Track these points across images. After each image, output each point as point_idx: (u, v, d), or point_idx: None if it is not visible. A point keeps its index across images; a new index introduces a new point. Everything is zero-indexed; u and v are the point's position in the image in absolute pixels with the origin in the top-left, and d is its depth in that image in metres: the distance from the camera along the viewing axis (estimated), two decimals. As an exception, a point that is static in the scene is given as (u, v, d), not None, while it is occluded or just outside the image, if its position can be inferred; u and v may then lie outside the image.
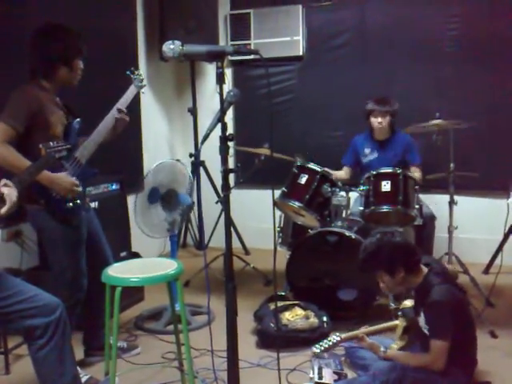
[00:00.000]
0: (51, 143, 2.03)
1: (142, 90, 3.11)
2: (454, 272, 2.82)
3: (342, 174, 4.23)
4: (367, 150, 4.15)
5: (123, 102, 2.91)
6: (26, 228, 3.37)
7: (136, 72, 3.06)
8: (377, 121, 4.00)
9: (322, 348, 2.65)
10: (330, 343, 2.65)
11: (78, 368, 2.72)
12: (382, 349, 2.55)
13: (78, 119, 2.75)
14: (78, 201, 2.65)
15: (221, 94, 1.93)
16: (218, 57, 1.91)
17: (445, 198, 3.60)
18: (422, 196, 3.63)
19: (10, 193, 1.89)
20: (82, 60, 2.71)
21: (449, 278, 2.54)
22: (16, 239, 3.39)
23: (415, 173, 3.91)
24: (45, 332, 2.09)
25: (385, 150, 4.09)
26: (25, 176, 1.99)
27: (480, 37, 4.42)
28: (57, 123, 2.63)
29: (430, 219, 3.91)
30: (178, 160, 3.54)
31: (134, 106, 4.32)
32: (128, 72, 3.05)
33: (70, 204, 2.62)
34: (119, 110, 2.87)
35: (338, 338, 2.66)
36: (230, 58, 5.08)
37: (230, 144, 1.95)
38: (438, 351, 2.36)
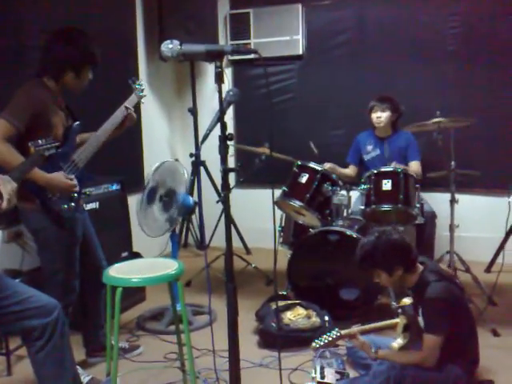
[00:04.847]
0: (39, 141, 2.01)
1: (142, 100, 3.10)
2: (449, 272, 2.81)
3: (349, 171, 4.24)
4: (369, 147, 4.17)
5: (123, 109, 2.89)
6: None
7: (137, 81, 3.06)
8: (376, 115, 4.04)
9: (322, 343, 2.64)
10: (330, 339, 2.64)
11: (80, 368, 2.74)
12: (373, 349, 2.54)
13: (78, 122, 2.74)
14: (73, 203, 2.64)
15: (220, 93, 1.92)
16: (216, 56, 1.90)
17: (446, 197, 3.59)
18: (423, 194, 3.62)
19: (5, 187, 1.89)
20: (93, 69, 2.70)
21: (445, 275, 2.53)
22: (17, 240, 3.38)
23: (413, 167, 3.93)
24: (43, 333, 2.08)
25: (387, 148, 4.10)
26: (16, 174, 1.97)
27: (481, 35, 4.41)
28: (58, 125, 2.63)
29: (431, 218, 3.91)
30: (176, 159, 3.53)
31: (134, 106, 4.32)
32: (130, 81, 3.05)
33: (65, 206, 2.61)
34: (124, 116, 2.87)
35: (338, 334, 2.65)
36: (230, 57, 5.08)
37: (230, 143, 1.95)
38: (430, 346, 2.36)
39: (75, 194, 2.64)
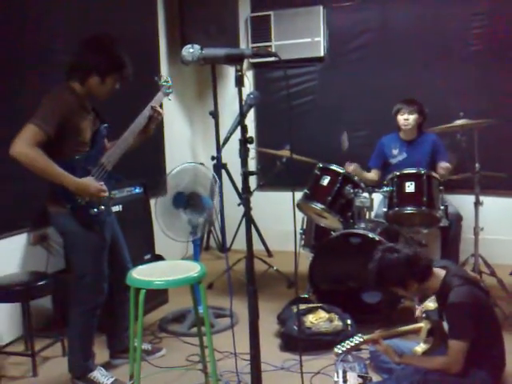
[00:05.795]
0: None
1: (169, 97, 3.09)
2: (473, 275, 2.76)
3: (372, 175, 4.19)
4: (395, 151, 4.12)
5: (149, 109, 2.90)
6: (52, 231, 3.41)
7: (164, 78, 3.05)
8: (403, 118, 3.99)
9: (344, 348, 2.62)
10: (353, 344, 2.62)
11: (104, 370, 2.77)
12: (397, 354, 2.51)
13: (106, 124, 2.77)
14: (103, 206, 2.67)
15: (240, 97, 1.92)
16: (236, 60, 1.91)
17: (470, 199, 3.54)
18: (447, 196, 3.57)
19: None
20: (120, 81, 2.68)
21: (469, 278, 2.49)
22: (42, 243, 3.44)
23: (444, 166, 3.84)
24: None
25: (413, 150, 4.06)
26: None
27: (505, 35, 4.34)
28: (87, 129, 2.65)
29: (456, 220, 3.85)
30: (201, 163, 3.54)
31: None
32: (156, 78, 3.05)
33: (95, 210, 2.64)
34: (150, 117, 2.89)
35: (361, 339, 2.63)
36: (251, 60, 5.09)
37: (250, 147, 1.95)
38: (455, 352, 2.32)
39: (104, 197, 2.66)
